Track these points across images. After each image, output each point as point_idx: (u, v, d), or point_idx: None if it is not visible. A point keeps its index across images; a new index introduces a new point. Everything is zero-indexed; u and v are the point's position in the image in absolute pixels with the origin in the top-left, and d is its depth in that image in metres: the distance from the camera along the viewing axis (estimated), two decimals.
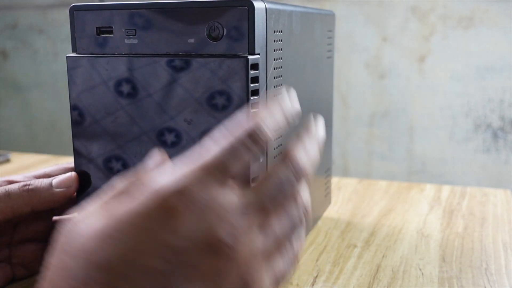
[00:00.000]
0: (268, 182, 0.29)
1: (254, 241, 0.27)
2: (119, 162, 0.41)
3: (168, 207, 0.25)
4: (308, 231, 0.55)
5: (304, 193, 0.31)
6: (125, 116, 0.40)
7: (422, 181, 1.46)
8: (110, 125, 0.41)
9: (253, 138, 0.28)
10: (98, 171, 0.42)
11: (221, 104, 0.38)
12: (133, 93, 0.40)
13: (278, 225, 0.29)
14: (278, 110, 0.30)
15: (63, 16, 1.80)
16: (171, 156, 0.39)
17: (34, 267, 0.46)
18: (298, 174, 0.29)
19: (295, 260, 0.30)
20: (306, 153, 0.31)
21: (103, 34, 0.40)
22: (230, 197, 0.27)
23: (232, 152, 0.27)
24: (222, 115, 0.38)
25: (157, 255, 0.24)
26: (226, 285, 0.25)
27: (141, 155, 0.41)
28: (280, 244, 0.29)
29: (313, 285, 0.46)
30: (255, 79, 0.38)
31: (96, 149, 0.41)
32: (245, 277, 0.26)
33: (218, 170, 0.26)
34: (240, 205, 0.27)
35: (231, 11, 0.37)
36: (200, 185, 0.26)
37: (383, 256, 0.52)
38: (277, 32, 0.41)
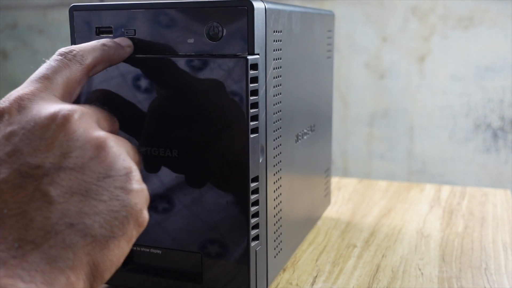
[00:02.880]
0: None
1: None
2: None
3: None
4: (307, 229, 0.55)
5: None
6: (124, 116, 0.40)
7: (422, 181, 1.46)
8: None
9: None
10: None
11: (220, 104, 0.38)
12: (132, 93, 0.40)
13: None
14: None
15: (63, 16, 1.80)
16: (170, 154, 0.39)
17: None
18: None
19: None
20: None
21: (102, 34, 0.40)
22: None
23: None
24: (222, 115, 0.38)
25: None
26: None
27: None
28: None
29: (312, 285, 0.46)
30: (255, 79, 0.38)
31: None
32: None
33: None
34: None
35: (230, 11, 0.37)
36: None
37: (382, 256, 0.52)
38: (276, 32, 0.41)
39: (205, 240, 0.40)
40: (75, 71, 0.34)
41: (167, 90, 0.39)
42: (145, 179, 0.40)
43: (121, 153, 0.30)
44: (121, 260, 0.30)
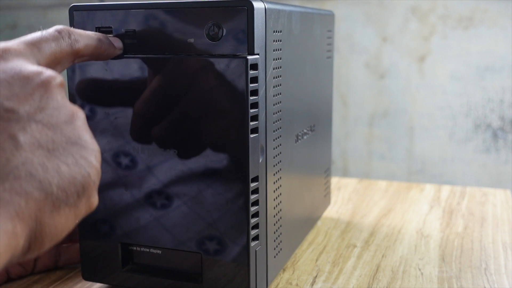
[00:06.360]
0: None
1: None
2: (126, 159, 0.41)
3: None
4: (307, 229, 0.55)
5: None
6: (125, 116, 0.40)
7: (421, 181, 1.46)
8: (110, 124, 0.41)
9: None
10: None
11: (220, 104, 0.38)
12: (132, 93, 0.40)
13: None
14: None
15: (63, 16, 1.80)
16: (170, 153, 0.39)
17: (29, 265, 0.47)
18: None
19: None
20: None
21: None
22: None
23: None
24: (222, 115, 0.38)
25: None
26: None
27: (145, 151, 0.41)
28: None
29: (312, 285, 0.46)
30: (255, 79, 0.38)
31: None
32: None
33: None
34: None
35: (230, 11, 0.37)
36: None
37: (382, 256, 0.52)
38: (276, 32, 0.41)
39: (205, 240, 0.40)
40: (64, 50, 0.35)
41: (167, 90, 0.39)
42: (145, 177, 0.40)
43: (90, 132, 0.31)
44: (64, 233, 0.29)
